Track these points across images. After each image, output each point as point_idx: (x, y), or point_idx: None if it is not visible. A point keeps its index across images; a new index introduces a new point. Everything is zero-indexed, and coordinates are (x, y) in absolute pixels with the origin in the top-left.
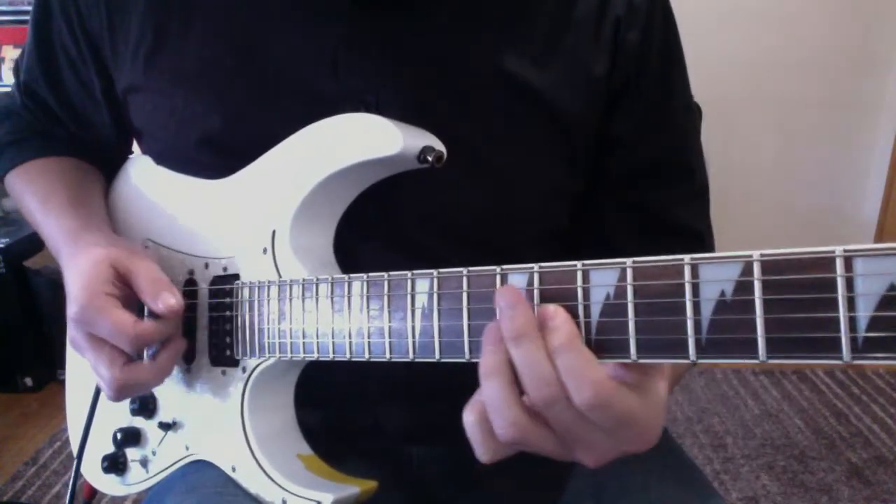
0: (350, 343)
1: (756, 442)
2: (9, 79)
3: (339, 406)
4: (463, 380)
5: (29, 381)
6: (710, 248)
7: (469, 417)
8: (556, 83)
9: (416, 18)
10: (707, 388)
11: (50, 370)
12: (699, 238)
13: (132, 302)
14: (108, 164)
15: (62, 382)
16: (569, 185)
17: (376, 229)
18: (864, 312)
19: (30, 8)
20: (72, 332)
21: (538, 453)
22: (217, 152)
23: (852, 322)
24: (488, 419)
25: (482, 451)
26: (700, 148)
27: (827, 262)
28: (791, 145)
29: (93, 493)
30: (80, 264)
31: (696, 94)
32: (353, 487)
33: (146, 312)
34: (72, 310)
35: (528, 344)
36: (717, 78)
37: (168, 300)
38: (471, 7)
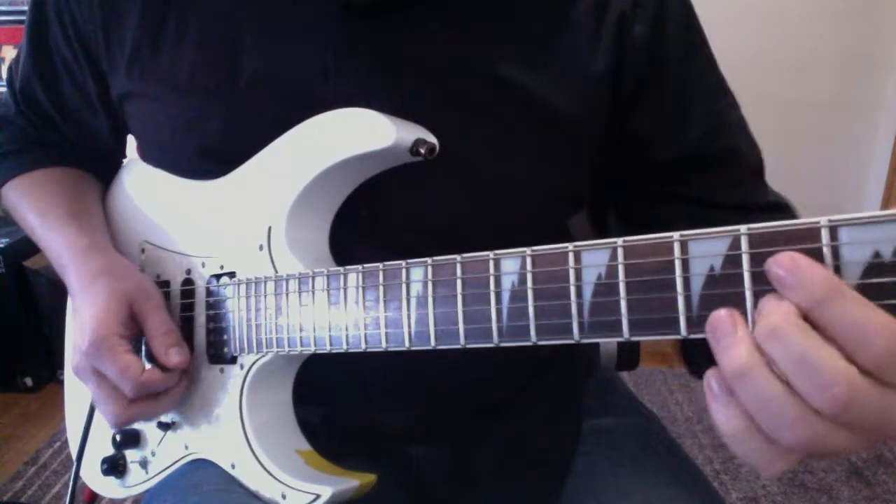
0: (346, 335)
1: None
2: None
3: (337, 406)
4: (461, 380)
5: (29, 381)
6: (794, 213)
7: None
8: (553, 85)
9: (408, 25)
10: None
11: (50, 370)
12: (772, 208)
13: (136, 340)
14: (106, 170)
15: (62, 382)
16: (573, 187)
17: (372, 237)
18: (851, 280)
19: None
20: (79, 363)
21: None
22: (217, 161)
23: None
24: (760, 427)
25: (764, 467)
26: (744, 125)
27: (813, 233)
28: (791, 145)
29: (93, 496)
30: (95, 295)
31: None
32: (353, 481)
33: (144, 353)
34: (84, 343)
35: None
36: None
37: (175, 357)
38: (464, 12)
